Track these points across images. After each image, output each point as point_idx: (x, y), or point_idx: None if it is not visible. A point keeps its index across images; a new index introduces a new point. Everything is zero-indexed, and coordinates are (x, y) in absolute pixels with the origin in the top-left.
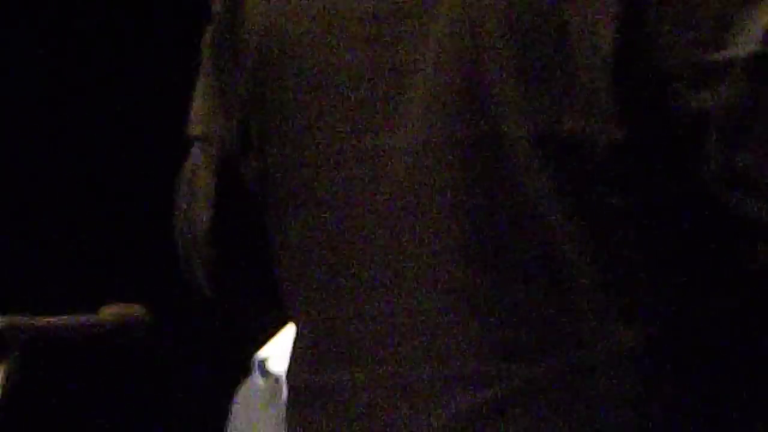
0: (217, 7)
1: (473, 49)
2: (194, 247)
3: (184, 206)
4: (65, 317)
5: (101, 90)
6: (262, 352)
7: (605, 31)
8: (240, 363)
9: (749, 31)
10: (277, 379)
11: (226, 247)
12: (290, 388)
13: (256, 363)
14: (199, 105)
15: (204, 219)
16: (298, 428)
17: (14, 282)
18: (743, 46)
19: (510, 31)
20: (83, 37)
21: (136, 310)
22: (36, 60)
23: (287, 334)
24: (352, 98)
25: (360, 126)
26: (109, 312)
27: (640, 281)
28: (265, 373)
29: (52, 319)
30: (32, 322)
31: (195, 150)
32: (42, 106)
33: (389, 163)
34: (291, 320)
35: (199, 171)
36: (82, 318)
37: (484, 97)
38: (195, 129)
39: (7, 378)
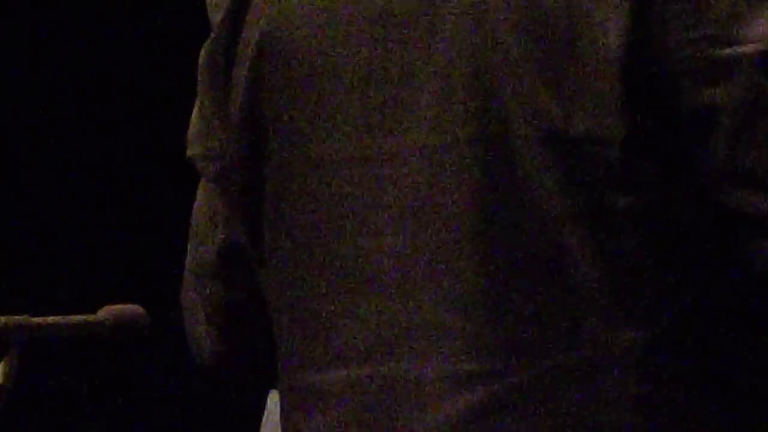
0: (217, 16)
1: (483, 48)
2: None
3: (190, 244)
4: (65, 317)
5: (103, 90)
6: None
7: (614, 28)
8: None
9: (758, 27)
10: None
11: (231, 284)
12: (284, 392)
13: None
14: (195, 124)
15: (210, 251)
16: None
17: (14, 282)
18: (752, 42)
19: (520, 31)
20: (85, 40)
21: (134, 310)
22: (35, 61)
23: None
24: (360, 100)
25: (368, 128)
26: (108, 312)
27: (645, 281)
28: None
29: (51, 319)
30: (32, 322)
31: (200, 186)
32: (43, 106)
33: (398, 164)
34: (275, 322)
35: (201, 202)
36: (82, 318)
37: (494, 96)
38: (193, 149)
39: (7, 377)
